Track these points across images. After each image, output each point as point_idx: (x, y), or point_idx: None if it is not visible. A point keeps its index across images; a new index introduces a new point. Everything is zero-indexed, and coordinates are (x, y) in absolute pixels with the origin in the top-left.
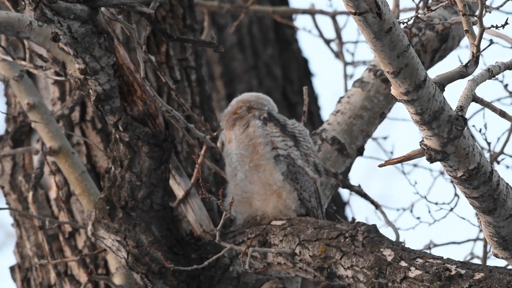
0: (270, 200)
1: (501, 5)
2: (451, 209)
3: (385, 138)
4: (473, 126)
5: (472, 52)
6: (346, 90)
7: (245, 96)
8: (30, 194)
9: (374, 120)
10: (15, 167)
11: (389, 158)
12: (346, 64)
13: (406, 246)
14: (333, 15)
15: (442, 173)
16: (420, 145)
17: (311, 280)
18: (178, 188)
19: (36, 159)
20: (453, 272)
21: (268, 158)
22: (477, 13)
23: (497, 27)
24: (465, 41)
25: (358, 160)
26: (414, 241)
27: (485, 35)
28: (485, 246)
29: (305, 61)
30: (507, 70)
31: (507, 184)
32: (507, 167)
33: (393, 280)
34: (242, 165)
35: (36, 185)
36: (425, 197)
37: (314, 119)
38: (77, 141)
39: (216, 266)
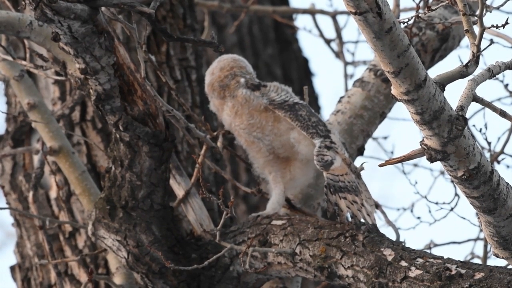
0: (305, 140)
1: (502, 5)
2: (452, 209)
3: (385, 137)
4: (474, 125)
5: (473, 52)
6: (346, 90)
7: (224, 63)
8: (31, 194)
9: (374, 120)
10: (15, 167)
11: (389, 158)
12: (346, 64)
13: (407, 246)
14: (333, 15)
15: (442, 172)
16: (421, 145)
17: (312, 279)
18: (179, 187)
19: (36, 158)
20: (454, 272)
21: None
22: (477, 12)
23: (497, 26)
24: (466, 40)
25: (358, 159)
26: (414, 241)
27: (485, 34)
28: (485, 246)
29: (305, 61)
30: (508, 70)
31: (508, 183)
32: (508, 166)
33: (394, 279)
34: (262, 130)
35: (37, 185)
36: (426, 197)
37: None
38: (77, 140)
39: (216, 265)
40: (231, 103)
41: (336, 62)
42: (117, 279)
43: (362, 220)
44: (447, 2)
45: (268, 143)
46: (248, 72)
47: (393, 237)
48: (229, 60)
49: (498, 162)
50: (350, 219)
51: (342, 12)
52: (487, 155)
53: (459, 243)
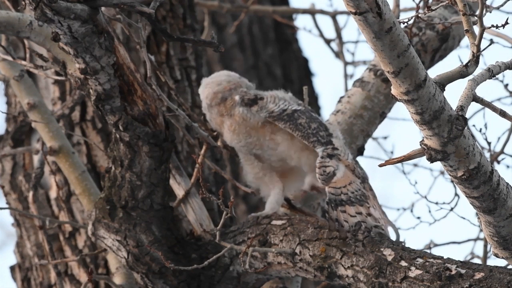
0: (304, 153)
1: (502, 5)
2: (452, 209)
3: (385, 137)
4: (474, 125)
5: (473, 52)
6: (346, 89)
7: (219, 79)
8: (30, 194)
9: (374, 120)
10: (15, 167)
11: (389, 158)
12: (346, 63)
13: (406, 246)
14: (333, 15)
15: (442, 172)
16: (420, 145)
17: (311, 279)
18: (179, 187)
19: (36, 158)
20: (454, 272)
21: (268, 119)
22: (477, 12)
23: (497, 26)
24: (466, 40)
25: (358, 159)
26: (414, 241)
27: (485, 34)
28: (485, 246)
29: (305, 61)
30: (507, 70)
31: (507, 183)
32: (508, 166)
33: (393, 279)
34: (261, 146)
35: (36, 185)
36: (426, 197)
37: None
38: (77, 140)
39: (216, 265)
40: (229, 122)
41: (336, 62)
42: (117, 279)
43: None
44: (447, 2)
45: (267, 157)
46: (246, 86)
47: (393, 237)
48: (223, 78)
49: (498, 162)
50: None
51: (342, 12)
52: (487, 155)
53: (459, 243)
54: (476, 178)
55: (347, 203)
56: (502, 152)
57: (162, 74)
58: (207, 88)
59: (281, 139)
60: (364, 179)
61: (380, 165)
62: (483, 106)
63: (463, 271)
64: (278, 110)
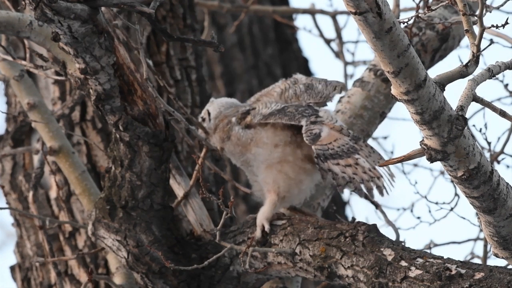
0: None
1: (502, 5)
2: (452, 209)
3: (385, 137)
4: (474, 125)
5: (473, 52)
6: (346, 89)
7: (233, 107)
8: (30, 194)
9: (374, 120)
10: (15, 167)
11: (389, 158)
12: (346, 63)
13: (406, 245)
14: (333, 15)
15: (442, 172)
16: (421, 145)
17: (311, 279)
18: (178, 187)
19: (36, 158)
20: (454, 272)
21: (256, 138)
22: (477, 12)
23: (497, 26)
24: (466, 40)
25: None
26: (414, 241)
27: (485, 34)
28: (485, 246)
29: (305, 61)
30: (507, 70)
31: (507, 183)
32: (507, 166)
33: (394, 279)
34: (254, 164)
35: (37, 185)
36: (426, 197)
37: None
38: (77, 140)
39: (216, 265)
40: (228, 145)
41: (336, 62)
42: (117, 279)
43: (362, 185)
44: (447, 2)
45: (263, 171)
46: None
47: (393, 237)
48: (233, 101)
49: (498, 162)
50: (348, 186)
51: (342, 12)
52: (487, 155)
53: (459, 243)
54: (476, 178)
55: (337, 157)
56: (502, 152)
57: (160, 79)
58: (218, 107)
59: (260, 151)
60: (356, 138)
61: (380, 165)
62: (483, 106)
63: (463, 271)
64: (270, 110)
